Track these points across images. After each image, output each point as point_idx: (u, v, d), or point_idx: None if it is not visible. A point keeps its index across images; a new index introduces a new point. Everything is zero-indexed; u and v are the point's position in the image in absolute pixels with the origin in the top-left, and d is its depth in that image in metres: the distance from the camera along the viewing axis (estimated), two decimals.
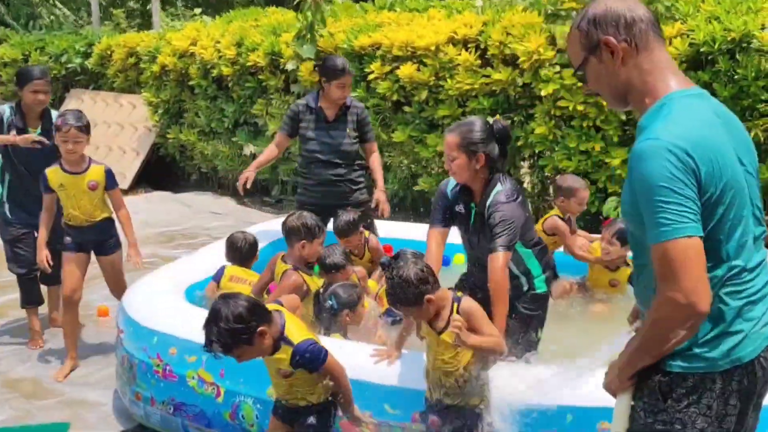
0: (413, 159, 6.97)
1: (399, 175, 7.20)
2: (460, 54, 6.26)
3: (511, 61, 6.09)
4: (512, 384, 2.72)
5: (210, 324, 2.50)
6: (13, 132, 4.40)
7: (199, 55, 8.57)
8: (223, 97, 8.64)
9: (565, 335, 3.79)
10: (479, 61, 6.23)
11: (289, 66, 7.56)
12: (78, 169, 4.07)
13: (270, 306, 2.71)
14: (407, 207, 7.50)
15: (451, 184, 3.33)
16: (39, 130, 4.47)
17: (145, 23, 15.59)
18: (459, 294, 2.70)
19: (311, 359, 2.59)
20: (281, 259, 3.78)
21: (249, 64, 8.03)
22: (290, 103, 7.88)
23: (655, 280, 1.68)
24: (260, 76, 8.04)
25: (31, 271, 4.59)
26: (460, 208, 3.29)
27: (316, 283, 3.80)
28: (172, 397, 3.35)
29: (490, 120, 3.25)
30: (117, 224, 4.29)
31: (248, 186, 4.59)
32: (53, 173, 4.06)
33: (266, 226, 5.16)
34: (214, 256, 4.39)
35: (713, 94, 5.33)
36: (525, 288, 3.32)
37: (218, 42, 8.43)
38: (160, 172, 9.77)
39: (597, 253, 4.32)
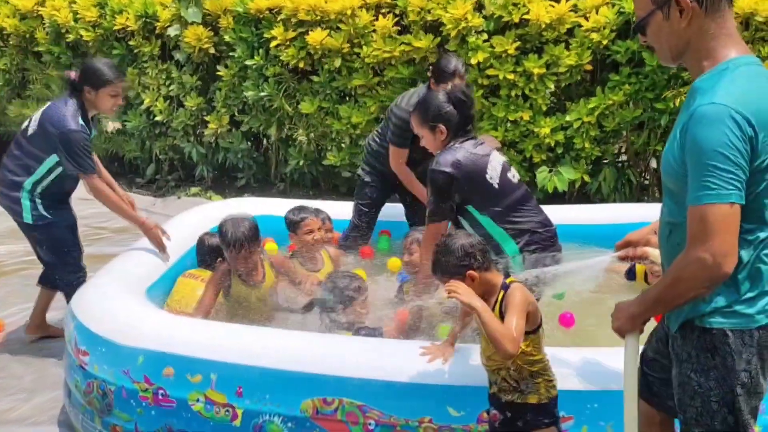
0: (321, 132, 6.54)
1: (304, 149, 6.74)
2: (376, 19, 5.91)
3: (432, 28, 5.85)
4: None
5: None
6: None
7: (49, 17, 7.40)
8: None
9: None
10: (397, 28, 5.93)
11: (172, 31, 6.74)
12: None
13: None
14: (308, 184, 7.06)
15: None
16: (95, 133, 4.15)
17: None
18: (511, 280, 2.45)
19: None
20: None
21: (116, 27, 7.07)
22: (169, 72, 7.09)
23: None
24: (131, 42, 7.12)
25: None
26: None
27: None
28: (167, 426, 2.79)
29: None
30: None
31: None
32: None
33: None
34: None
35: (641, 62, 5.55)
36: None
37: (74, 2, 7.33)
38: None
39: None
